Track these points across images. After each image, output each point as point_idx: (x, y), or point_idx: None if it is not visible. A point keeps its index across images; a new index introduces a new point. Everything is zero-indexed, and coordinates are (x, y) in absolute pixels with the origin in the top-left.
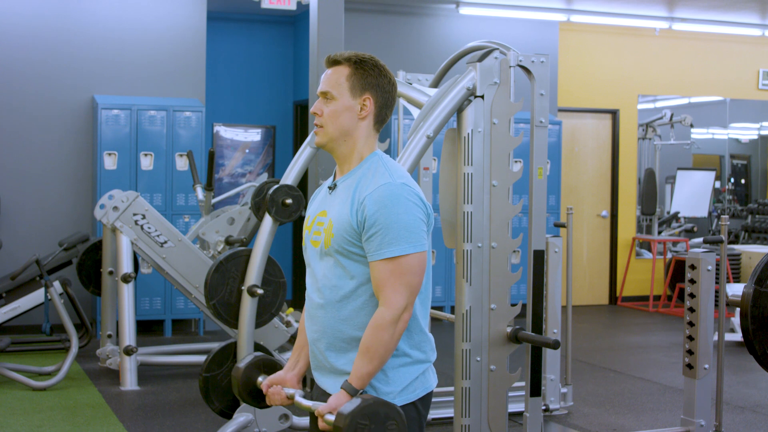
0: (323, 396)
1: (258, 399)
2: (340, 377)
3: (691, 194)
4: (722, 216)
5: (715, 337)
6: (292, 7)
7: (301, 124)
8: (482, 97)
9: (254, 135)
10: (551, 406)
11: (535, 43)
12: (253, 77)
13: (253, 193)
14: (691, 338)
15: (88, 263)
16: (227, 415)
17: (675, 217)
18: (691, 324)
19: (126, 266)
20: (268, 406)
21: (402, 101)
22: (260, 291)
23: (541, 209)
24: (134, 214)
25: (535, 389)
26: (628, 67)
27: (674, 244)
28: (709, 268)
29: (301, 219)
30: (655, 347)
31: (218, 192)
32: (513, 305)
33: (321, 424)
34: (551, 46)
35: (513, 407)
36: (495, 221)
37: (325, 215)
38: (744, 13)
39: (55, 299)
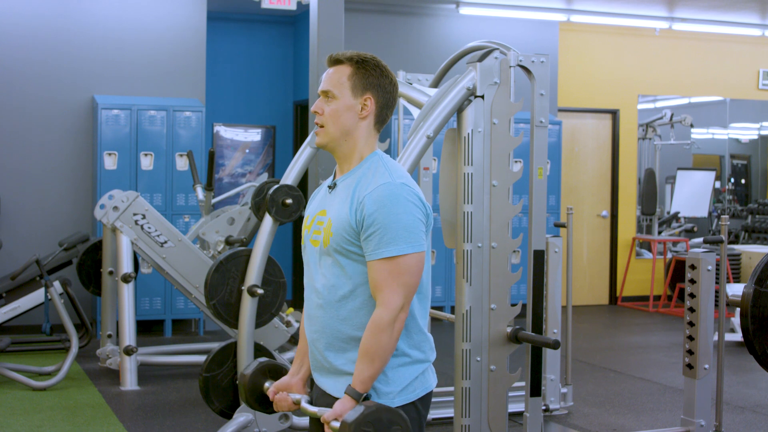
0: (323, 396)
1: (265, 405)
2: (340, 377)
3: (691, 194)
4: (722, 216)
5: (715, 337)
6: (292, 7)
7: (301, 124)
8: (482, 97)
9: (254, 135)
10: (551, 406)
11: (535, 43)
12: (253, 77)
13: (253, 193)
14: (691, 338)
15: (88, 263)
16: (227, 415)
17: (675, 217)
18: (691, 324)
19: (126, 266)
20: (276, 412)
21: (402, 101)
22: (260, 291)
23: (541, 209)
24: (134, 214)
25: (535, 389)
26: (628, 67)
27: (674, 244)
28: (709, 268)
29: (301, 219)
30: (655, 347)
31: (218, 192)
32: (513, 305)
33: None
34: (551, 46)
35: (513, 407)
36: (495, 221)
37: (324, 214)
38: (744, 13)
39: (55, 299)
